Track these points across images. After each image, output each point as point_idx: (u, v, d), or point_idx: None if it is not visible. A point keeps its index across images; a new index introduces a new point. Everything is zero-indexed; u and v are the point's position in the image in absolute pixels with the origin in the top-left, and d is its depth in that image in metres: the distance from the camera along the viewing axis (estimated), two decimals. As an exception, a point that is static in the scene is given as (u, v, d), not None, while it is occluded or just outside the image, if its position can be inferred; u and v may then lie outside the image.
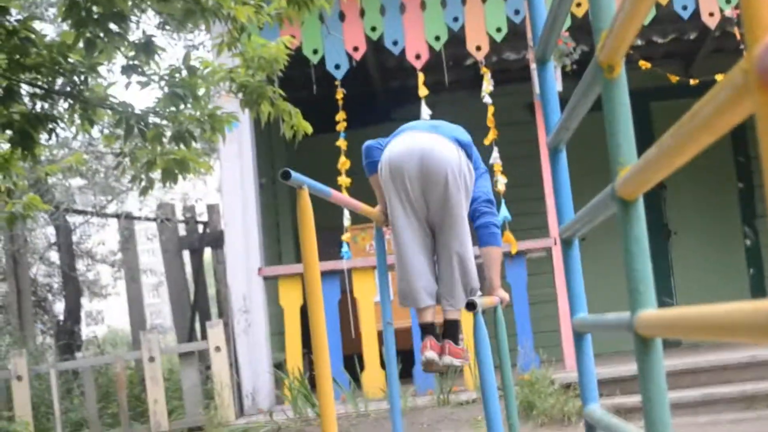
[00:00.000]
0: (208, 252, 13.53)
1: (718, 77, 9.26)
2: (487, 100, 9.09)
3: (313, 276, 3.59)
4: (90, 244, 17.11)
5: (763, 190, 10.58)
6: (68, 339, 13.60)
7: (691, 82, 9.68)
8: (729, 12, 9.24)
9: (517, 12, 9.19)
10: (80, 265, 15.76)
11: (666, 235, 12.63)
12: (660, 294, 12.26)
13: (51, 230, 15.46)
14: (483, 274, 5.34)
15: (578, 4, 8.85)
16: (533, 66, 8.75)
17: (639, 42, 11.51)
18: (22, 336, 12.19)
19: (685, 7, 9.25)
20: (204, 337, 10.62)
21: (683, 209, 12.68)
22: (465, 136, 5.19)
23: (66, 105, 5.98)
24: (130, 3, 5.32)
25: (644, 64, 9.60)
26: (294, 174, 3.54)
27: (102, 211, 15.19)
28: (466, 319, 6.08)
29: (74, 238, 15.29)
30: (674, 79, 9.75)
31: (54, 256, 15.72)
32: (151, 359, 9.21)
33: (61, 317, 14.61)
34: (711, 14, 9.18)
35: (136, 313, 14.40)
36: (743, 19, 0.90)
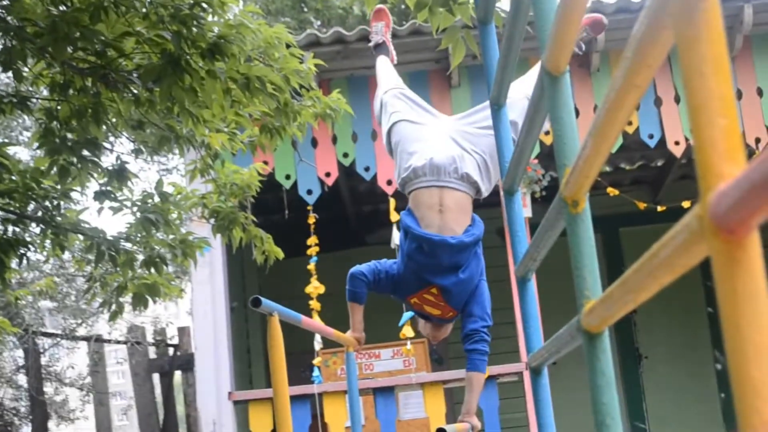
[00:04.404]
0: (178, 374, 13.41)
1: (685, 204, 9.40)
2: (459, 225, 9.13)
3: (282, 405, 3.57)
4: (59, 367, 16.91)
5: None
6: (33, 465, 13.36)
7: (659, 209, 9.79)
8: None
9: (487, 139, 9.30)
10: (48, 388, 15.55)
11: (637, 359, 12.63)
12: (632, 418, 12.21)
13: (20, 353, 15.30)
14: None
15: (547, 133, 8.99)
16: (503, 193, 8.83)
17: (607, 168, 11.68)
18: (-14, 462, 11.97)
19: (651, 136, 9.40)
20: (172, 463, 10.46)
21: (654, 333, 12.72)
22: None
23: (38, 230, 5.99)
24: (104, 130, 5.37)
25: (612, 191, 9.71)
26: (264, 301, 3.55)
27: (72, 333, 15.06)
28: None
29: (43, 361, 15.13)
30: (642, 206, 9.87)
31: (22, 379, 15.52)
32: (118, 486, 9.05)
33: (27, 442, 14.37)
34: (677, 143, 9.33)
35: (104, 437, 14.18)
36: (697, 167, 0.93)
